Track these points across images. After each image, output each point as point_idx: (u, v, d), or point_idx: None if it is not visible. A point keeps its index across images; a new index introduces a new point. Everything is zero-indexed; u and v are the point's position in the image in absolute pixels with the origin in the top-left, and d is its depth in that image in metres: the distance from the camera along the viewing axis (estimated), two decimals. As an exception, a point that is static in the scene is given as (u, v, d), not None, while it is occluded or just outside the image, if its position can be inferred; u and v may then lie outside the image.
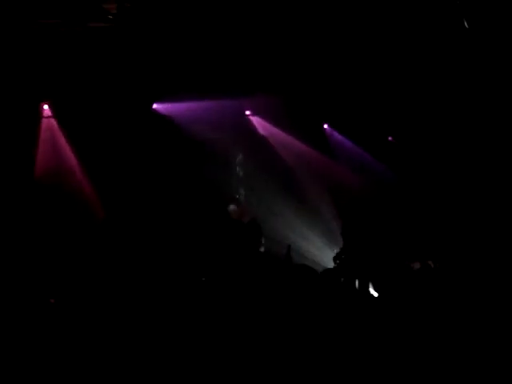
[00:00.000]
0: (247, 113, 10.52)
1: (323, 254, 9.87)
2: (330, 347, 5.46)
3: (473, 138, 9.75)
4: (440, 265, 8.50)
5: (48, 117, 9.62)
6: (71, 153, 9.53)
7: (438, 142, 10.07)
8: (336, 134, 10.76)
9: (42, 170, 9.31)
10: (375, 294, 8.67)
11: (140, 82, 9.31)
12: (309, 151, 10.54)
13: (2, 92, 8.83)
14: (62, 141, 9.55)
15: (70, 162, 9.55)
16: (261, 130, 10.55)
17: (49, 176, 9.27)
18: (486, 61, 8.66)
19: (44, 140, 9.50)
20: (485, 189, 9.71)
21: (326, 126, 10.74)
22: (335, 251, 9.02)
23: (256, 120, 10.60)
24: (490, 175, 9.66)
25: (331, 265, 8.86)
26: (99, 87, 9.24)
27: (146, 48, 8.96)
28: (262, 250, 8.88)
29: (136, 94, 9.40)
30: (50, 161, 9.38)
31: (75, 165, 9.52)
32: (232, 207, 9.19)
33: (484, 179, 9.70)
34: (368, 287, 8.82)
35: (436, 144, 10.11)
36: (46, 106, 9.63)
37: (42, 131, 9.52)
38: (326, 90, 9.99)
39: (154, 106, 9.78)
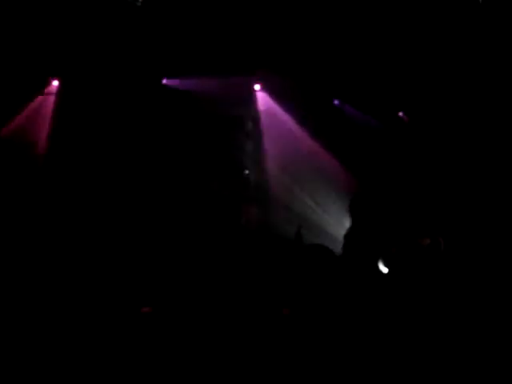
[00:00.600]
0: (256, 88, 10.44)
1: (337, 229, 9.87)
2: (338, 330, 5.52)
3: (487, 116, 9.66)
4: (450, 241, 8.49)
5: (50, 93, 9.68)
6: (47, 131, 9.64)
7: (450, 117, 9.97)
8: (347, 108, 10.67)
9: (10, 132, 9.45)
10: (385, 271, 8.72)
11: (150, 58, 9.37)
12: (311, 132, 10.47)
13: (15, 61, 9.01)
14: (47, 119, 9.64)
15: (40, 139, 9.64)
16: (266, 107, 10.51)
17: (12, 138, 9.40)
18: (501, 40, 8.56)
19: (32, 110, 9.67)
20: (499, 168, 9.65)
21: (336, 102, 10.64)
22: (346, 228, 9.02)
23: (263, 96, 10.54)
24: (506, 155, 9.59)
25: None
26: (109, 63, 9.32)
27: (156, 26, 8.97)
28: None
29: (146, 69, 9.53)
30: (23, 129, 9.52)
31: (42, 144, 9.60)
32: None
33: (499, 159, 9.64)
34: (378, 263, 8.85)
35: (449, 120, 10.02)
36: (55, 82, 9.70)
37: (35, 103, 9.67)
38: (335, 65, 9.90)
39: (164, 81, 9.89)
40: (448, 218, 9.61)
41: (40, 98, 9.72)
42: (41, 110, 9.71)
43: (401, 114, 10.51)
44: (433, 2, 8.60)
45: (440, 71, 9.58)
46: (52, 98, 9.77)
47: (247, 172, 10.19)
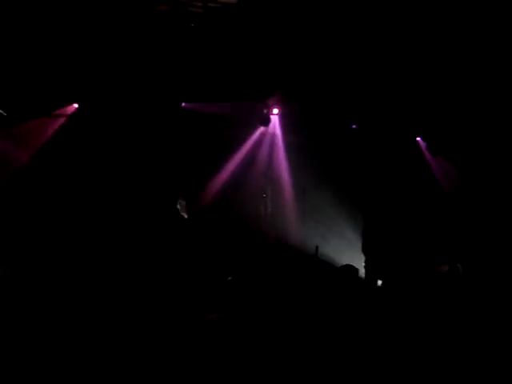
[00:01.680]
0: (272, 113, 10.54)
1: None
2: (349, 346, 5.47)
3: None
4: (469, 268, 8.42)
5: (61, 115, 9.87)
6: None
7: (466, 142, 9.96)
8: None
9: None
10: (400, 295, 8.64)
11: (171, 84, 9.65)
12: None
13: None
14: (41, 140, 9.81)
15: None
16: (277, 131, 10.64)
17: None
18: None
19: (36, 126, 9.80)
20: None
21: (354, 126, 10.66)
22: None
23: (277, 122, 10.66)
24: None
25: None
26: (131, 88, 9.62)
27: (176, 54, 9.22)
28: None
29: (167, 94, 9.82)
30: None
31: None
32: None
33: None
34: (393, 288, 8.79)
35: (465, 145, 10.00)
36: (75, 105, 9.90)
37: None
38: (351, 91, 9.95)
39: (183, 104, 10.19)
40: (465, 244, 9.55)
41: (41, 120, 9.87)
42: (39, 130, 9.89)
43: (419, 138, 10.53)
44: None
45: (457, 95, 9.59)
46: (57, 121, 9.95)
47: (265, 195, 10.25)
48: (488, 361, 5.61)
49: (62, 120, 9.93)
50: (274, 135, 10.54)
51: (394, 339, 5.87)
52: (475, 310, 7.06)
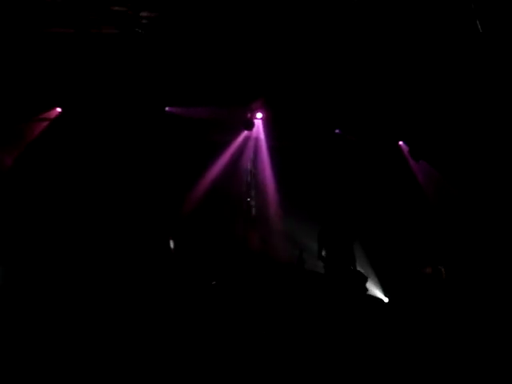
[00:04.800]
0: (258, 117, 10.56)
1: None
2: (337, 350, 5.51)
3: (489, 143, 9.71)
4: (452, 270, 8.49)
5: (44, 119, 9.85)
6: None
7: (450, 146, 10.03)
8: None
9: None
10: (385, 299, 8.70)
11: (155, 88, 9.68)
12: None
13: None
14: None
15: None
16: (261, 135, 10.66)
17: None
18: (498, 66, 8.65)
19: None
20: (499, 194, 9.68)
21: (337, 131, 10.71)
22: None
23: (260, 126, 10.69)
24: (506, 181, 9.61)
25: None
26: (116, 93, 9.62)
27: (160, 58, 9.23)
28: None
29: (151, 98, 9.82)
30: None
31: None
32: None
33: (499, 185, 9.67)
34: (378, 292, 8.85)
35: (447, 149, 10.08)
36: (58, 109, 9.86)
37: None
38: (334, 96, 10.01)
39: (167, 109, 10.16)
40: (449, 247, 9.62)
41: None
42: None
43: (401, 143, 10.61)
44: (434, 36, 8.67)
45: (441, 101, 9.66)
46: (40, 125, 9.92)
47: (249, 199, 10.28)
48: (474, 360, 5.68)
49: (44, 124, 9.91)
50: (257, 139, 10.60)
51: (382, 340, 5.92)
52: (458, 312, 7.13)
